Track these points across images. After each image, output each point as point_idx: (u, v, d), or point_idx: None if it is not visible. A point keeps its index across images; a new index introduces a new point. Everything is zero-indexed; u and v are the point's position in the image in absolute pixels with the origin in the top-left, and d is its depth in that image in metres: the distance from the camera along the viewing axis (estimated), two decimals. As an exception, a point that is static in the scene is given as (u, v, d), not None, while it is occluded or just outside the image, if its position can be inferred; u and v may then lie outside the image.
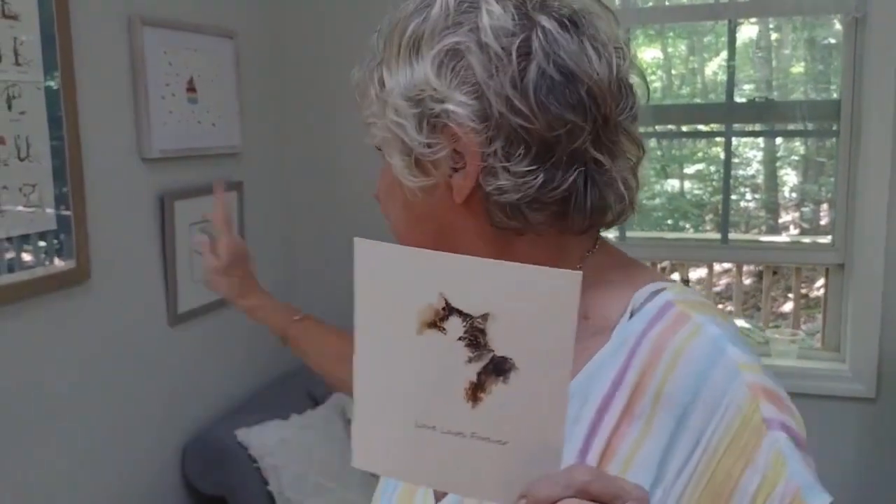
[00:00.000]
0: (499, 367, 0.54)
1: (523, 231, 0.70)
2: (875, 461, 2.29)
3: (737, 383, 0.63)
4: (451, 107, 0.66)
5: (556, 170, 0.66)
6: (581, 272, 0.51)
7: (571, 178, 0.67)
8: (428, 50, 0.67)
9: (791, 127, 2.66)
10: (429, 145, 0.68)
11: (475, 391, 0.55)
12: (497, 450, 0.55)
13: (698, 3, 2.48)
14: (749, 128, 2.85)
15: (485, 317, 0.54)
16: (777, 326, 4.21)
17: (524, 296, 0.52)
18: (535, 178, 0.66)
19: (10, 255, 1.63)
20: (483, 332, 0.54)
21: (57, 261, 1.75)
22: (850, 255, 2.30)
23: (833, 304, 2.41)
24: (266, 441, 2.14)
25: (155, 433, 2.09)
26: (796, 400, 0.67)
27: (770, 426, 0.62)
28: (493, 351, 0.54)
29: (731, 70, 2.57)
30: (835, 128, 2.36)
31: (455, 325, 0.54)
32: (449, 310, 0.54)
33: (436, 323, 0.55)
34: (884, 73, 2.16)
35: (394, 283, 0.55)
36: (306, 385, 2.43)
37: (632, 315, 0.69)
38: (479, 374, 0.55)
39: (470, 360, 0.55)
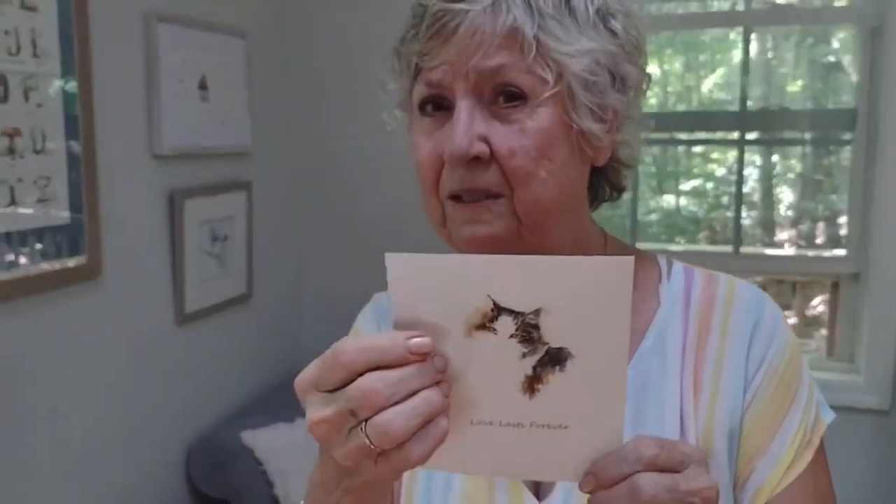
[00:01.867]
0: (555, 358, 0.54)
1: (594, 204, 0.78)
2: (890, 474, 2.27)
3: (782, 318, 0.77)
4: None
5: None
6: (633, 258, 0.51)
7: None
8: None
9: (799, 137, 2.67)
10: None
11: (532, 383, 0.55)
12: (558, 434, 0.55)
13: (714, 10, 2.48)
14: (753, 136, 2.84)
15: (537, 312, 0.53)
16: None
17: (578, 287, 0.52)
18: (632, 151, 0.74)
19: (23, 249, 1.60)
20: (536, 326, 0.53)
21: (69, 256, 1.71)
22: (865, 264, 2.29)
23: (845, 315, 2.40)
24: (272, 444, 2.10)
25: (160, 434, 2.06)
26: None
27: (801, 353, 0.78)
28: (547, 343, 0.54)
29: (743, 81, 2.56)
30: (849, 137, 2.36)
31: (506, 324, 0.53)
32: (498, 310, 0.53)
33: (485, 325, 0.54)
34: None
35: (434, 291, 0.54)
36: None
37: (668, 278, 0.79)
38: (534, 368, 0.54)
39: (524, 356, 0.54)
